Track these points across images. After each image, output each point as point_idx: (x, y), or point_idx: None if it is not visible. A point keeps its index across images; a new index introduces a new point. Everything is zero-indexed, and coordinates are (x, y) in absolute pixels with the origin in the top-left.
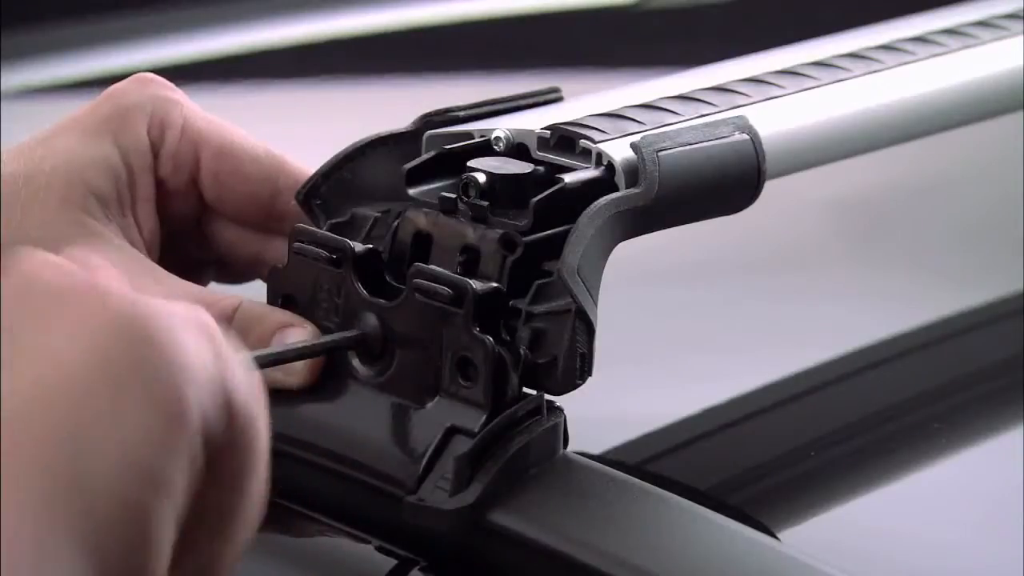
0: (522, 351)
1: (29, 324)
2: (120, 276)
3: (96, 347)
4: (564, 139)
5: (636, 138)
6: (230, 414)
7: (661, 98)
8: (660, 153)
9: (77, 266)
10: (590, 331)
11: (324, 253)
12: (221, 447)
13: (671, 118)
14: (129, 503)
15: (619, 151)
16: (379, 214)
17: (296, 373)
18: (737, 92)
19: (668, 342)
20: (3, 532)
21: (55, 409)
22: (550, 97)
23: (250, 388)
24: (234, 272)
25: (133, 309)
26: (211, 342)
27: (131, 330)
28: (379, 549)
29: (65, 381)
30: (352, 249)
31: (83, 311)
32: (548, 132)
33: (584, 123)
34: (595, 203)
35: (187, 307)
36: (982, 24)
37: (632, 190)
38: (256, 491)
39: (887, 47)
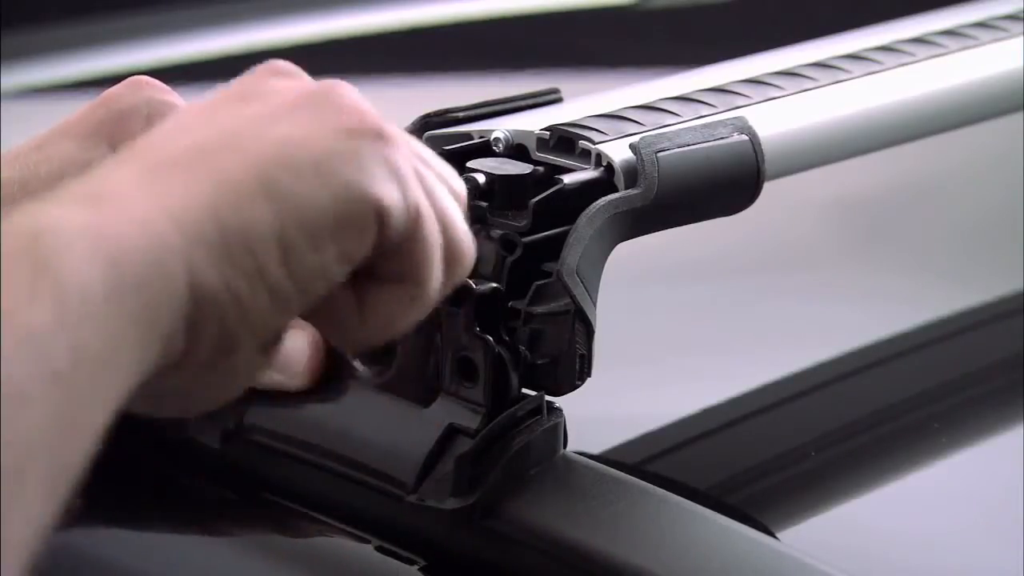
0: (522, 351)
1: None
2: None
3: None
4: (563, 140)
5: (635, 139)
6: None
7: (660, 99)
8: (659, 154)
9: None
10: (589, 332)
11: None
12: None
13: (670, 119)
14: None
15: (618, 152)
16: None
17: (297, 375)
18: (736, 93)
19: (668, 342)
20: None
21: None
22: (550, 98)
23: None
24: None
25: None
26: None
27: None
28: (379, 549)
29: None
30: None
31: None
32: (547, 133)
33: (583, 124)
34: (594, 204)
35: None
36: (981, 25)
37: (631, 191)
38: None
39: (886, 48)
